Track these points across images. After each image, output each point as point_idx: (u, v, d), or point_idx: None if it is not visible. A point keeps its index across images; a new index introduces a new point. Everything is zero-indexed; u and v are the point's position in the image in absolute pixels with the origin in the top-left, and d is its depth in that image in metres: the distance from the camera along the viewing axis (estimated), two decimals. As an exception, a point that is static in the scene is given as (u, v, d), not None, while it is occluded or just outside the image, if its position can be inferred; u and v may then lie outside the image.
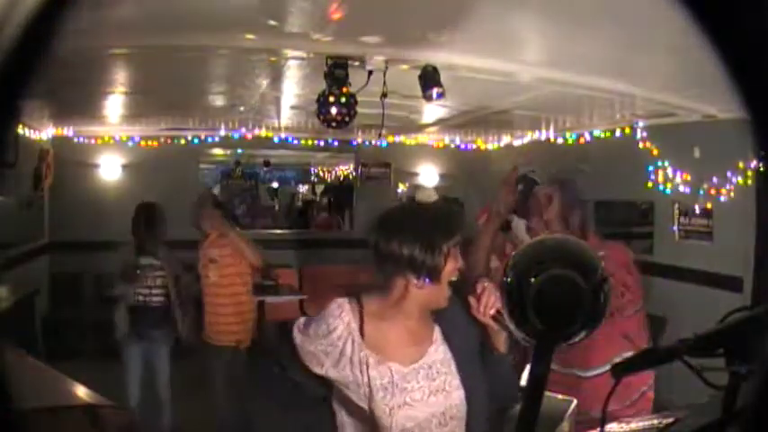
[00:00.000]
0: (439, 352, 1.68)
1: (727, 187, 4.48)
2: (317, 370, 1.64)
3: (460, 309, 1.65)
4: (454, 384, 1.66)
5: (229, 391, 4.09)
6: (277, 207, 10.32)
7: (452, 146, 7.97)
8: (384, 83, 3.50)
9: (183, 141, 7.21)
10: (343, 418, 1.70)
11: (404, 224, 1.61)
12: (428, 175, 8.20)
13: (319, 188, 10.50)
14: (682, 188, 4.91)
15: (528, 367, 1.63)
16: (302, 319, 1.72)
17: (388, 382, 1.61)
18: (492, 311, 1.56)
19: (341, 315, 1.64)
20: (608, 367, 1.93)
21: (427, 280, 1.58)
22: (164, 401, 4.29)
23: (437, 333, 1.70)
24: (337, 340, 1.62)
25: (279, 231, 8.74)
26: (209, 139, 7.35)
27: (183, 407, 4.40)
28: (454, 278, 1.60)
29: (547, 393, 0.95)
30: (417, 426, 1.61)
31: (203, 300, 4.29)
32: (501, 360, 1.66)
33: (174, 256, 4.36)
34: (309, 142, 7.64)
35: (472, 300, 1.59)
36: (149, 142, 7.12)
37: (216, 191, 9.13)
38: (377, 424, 1.61)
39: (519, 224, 5.35)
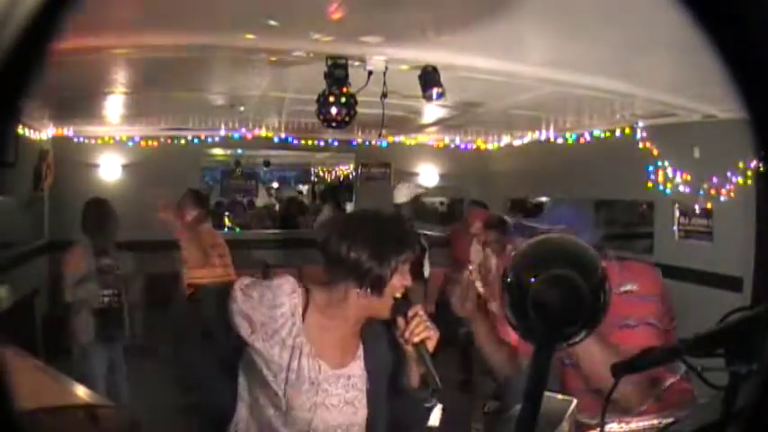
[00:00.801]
0: (358, 367, 1.67)
1: (727, 187, 4.47)
2: (243, 333, 1.59)
3: (385, 331, 1.63)
4: (363, 403, 1.66)
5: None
6: (277, 207, 10.33)
7: (452, 146, 7.98)
8: (384, 83, 3.50)
9: (182, 141, 7.21)
10: (242, 391, 1.67)
11: (358, 230, 1.58)
12: (428, 175, 8.21)
13: (319, 188, 10.51)
14: (682, 188, 4.91)
15: (435, 408, 1.62)
16: (247, 279, 1.67)
17: (315, 378, 1.59)
18: (416, 339, 1.53)
19: (291, 294, 1.60)
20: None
21: (369, 290, 1.56)
22: (126, 397, 4.18)
23: (360, 349, 1.69)
24: (279, 317, 1.58)
25: (278, 231, 8.76)
26: (209, 139, 7.35)
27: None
28: (398, 294, 1.58)
29: (547, 393, 0.95)
30: (326, 430, 1.60)
31: None
32: (415, 398, 1.62)
33: (126, 254, 4.28)
34: (309, 142, 7.64)
35: (401, 321, 1.56)
36: (149, 142, 7.12)
37: (217, 192, 9.14)
38: (291, 414, 1.59)
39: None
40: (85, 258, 4.06)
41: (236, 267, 4.77)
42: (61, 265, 4.16)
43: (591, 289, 0.90)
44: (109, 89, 4.56)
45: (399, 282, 1.57)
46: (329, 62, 3.41)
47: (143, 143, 7.11)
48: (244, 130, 7.06)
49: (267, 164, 9.59)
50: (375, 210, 1.74)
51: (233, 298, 1.61)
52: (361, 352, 1.68)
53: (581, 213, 2.10)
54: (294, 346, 1.58)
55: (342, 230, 1.59)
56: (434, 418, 1.65)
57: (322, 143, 7.68)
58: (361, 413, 1.66)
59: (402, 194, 4.52)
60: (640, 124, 5.23)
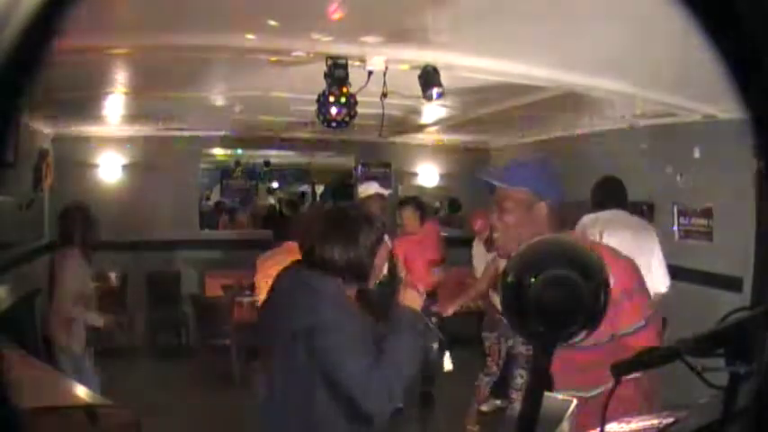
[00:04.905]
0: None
1: (728, 187, 4.47)
2: None
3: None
4: None
5: None
6: (278, 207, 10.33)
7: (452, 146, 7.98)
8: (384, 83, 3.50)
9: (182, 141, 7.20)
10: None
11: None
12: (428, 175, 8.20)
13: (319, 188, 10.50)
14: (682, 188, 4.90)
15: None
16: None
17: None
18: None
19: None
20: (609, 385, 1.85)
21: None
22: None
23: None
24: None
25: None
26: (210, 140, 7.34)
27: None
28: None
29: (547, 393, 0.95)
30: None
31: None
32: None
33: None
34: (309, 142, 7.64)
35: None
36: (149, 142, 7.11)
37: (217, 193, 9.13)
38: None
39: None
40: (82, 269, 3.82)
41: (237, 268, 4.73)
42: (59, 274, 3.84)
43: (591, 289, 0.90)
44: (109, 89, 4.56)
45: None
46: (329, 62, 3.40)
47: (143, 143, 7.10)
48: (244, 130, 7.06)
49: (267, 164, 9.58)
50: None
51: None
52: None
53: (544, 174, 2.01)
54: None
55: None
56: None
57: (322, 143, 7.67)
58: None
59: (366, 190, 4.58)
60: (640, 124, 5.22)
